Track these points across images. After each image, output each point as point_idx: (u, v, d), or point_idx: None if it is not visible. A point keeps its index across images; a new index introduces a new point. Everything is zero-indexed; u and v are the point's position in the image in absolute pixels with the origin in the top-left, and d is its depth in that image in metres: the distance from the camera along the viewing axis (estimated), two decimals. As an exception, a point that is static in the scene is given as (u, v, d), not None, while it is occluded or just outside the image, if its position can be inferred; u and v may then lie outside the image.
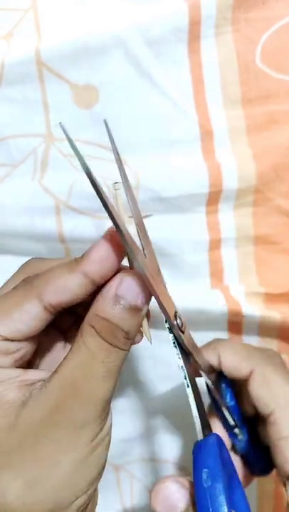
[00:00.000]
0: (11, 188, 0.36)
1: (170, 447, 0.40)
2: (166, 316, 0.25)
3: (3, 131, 0.36)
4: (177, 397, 0.39)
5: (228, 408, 0.31)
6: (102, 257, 0.23)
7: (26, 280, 0.25)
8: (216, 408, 0.31)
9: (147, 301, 0.24)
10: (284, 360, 0.32)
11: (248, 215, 0.37)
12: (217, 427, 0.31)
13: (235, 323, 0.38)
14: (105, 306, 0.23)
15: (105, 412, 0.23)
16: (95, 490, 0.25)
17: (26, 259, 0.37)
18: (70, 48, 0.33)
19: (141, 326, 0.25)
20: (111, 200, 0.24)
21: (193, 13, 0.33)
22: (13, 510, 0.22)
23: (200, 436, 0.25)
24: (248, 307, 0.36)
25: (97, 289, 0.24)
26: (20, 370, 0.24)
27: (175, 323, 0.25)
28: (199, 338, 0.30)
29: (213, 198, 0.36)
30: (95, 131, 0.36)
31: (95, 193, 0.35)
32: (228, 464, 0.26)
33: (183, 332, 0.26)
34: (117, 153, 0.28)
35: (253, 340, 0.38)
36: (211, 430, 0.26)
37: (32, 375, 0.24)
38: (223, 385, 0.31)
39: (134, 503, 0.40)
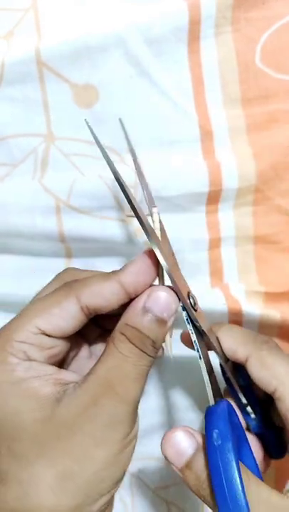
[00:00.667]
0: (11, 187, 0.36)
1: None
2: (180, 294, 0.26)
3: (4, 131, 0.36)
4: (179, 395, 0.39)
5: (240, 387, 0.33)
6: (137, 271, 0.26)
7: (66, 283, 0.27)
8: (230, 388, 0.33)
9: (173, 314, 0.25)
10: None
11: (248, 214, 0.37)
12: None
13: (236, 323, 0.38)
14: (135, 317, 0.25)
15: (135, 414, 0.25)
16: (113, 495, 0.26)
17: (27, 258, 0.38)
18: (70, 48, 0.33)
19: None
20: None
21: (193, 12, 0.33)
22: (42, 501, 0.23)
23: (212, 402, 0.27)
24: (248, 306, 0.36)
25: (127, 303, 0.26)
26: (55, 368, 0.26)
27: (188, 301, 0.27)
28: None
29: (213, 197, 0.36)
30: (95, 130, 0.36)
31: (94, 192, 0.35)
32: (237, 428, 0.29)
33: (196, 310, 0.28)
34: (133, 151, 0.32)
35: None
36: (222, 398, 0.28)
37: (65, 375, 0.26)
38: (236, 366, 0.32)
39: (135, 501, 0.40)
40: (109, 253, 0.37)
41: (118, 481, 0.25)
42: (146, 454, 0.40)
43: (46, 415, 0.23)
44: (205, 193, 0.36)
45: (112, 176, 0.35)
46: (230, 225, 0.37)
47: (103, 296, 0.25)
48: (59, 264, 0.38)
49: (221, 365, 0.32)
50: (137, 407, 0.25)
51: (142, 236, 0.36)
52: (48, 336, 0.26)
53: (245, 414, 0.33)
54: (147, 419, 0.40)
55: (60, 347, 0.26)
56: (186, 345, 0.33)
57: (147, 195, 0.30)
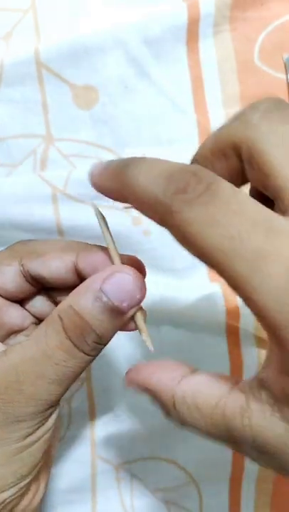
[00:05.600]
0: (8, 181, 0.36)
1: (171, 445, 0.40)
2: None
3: (3, 132, 0.36)
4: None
5: None
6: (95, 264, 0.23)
7: (10, 246, 0.25)
8: None
9: (135, 305, 0.21)
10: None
11: None
12: None
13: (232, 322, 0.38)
14: (83, 299, 0.20)
15: (48, 412, 0.21)
16: (33, 484, 0.23)
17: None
18: (70, 49, 0.34)
19: (133, 329, 0.23)
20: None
21: (192, 12, 0.33)
22: None
23: None
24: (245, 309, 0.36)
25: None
26: None
27: None
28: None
29: None
30: (95, 131, 0.36)
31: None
32: None
33: None
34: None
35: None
36: None
37: None
38: None
39: (134, 502, 0.40)
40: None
41: (24, 477, 0.22)
42: (146, 454, 0.40)
43: None
44: None
45: None
46: None
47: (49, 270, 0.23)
48: None
49: None
50: (53, 406, 0.21)
51: (140, 224, 0.36)
52: None
53: None
54: (147, 420, 0.40)
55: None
56: None
57: None
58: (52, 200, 0.35)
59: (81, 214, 0.35)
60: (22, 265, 0.24)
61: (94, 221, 0.35)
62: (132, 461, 0.40)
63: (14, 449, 0.21)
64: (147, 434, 0.39)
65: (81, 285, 0.21)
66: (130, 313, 0.21)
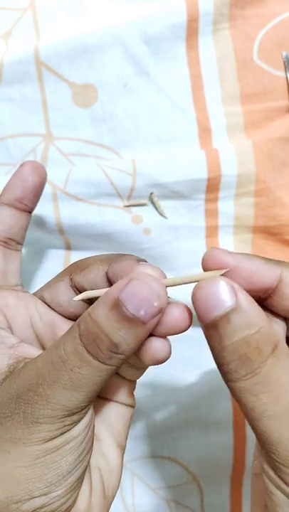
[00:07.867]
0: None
1: (172, 444, 0.40)
2: None
3: (3, 131, 0.36)
4: (179, 394, 0.39)
5: None
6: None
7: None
8: None
9: (154, 314, 0.20)
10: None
11: (250, 205, 0.36)
12: None
13: None
14: (101, 307, 0.20)
15: (68, 419, 0.21)
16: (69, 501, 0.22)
17: (25, 248, 0.38)
18: (69, 47, 0.34)
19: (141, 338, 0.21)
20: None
21: (191, 10, 0.33)
22: None
23: None
24: None
25: None
26: (16, 340, 0.24)
27: None
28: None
29: (213, 185, 0.36)
30: (94, 130, 0.36)
31: (91, 179, 0.35)
32: None
33: None
34: None
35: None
36: None
37: (24, 349, 0.24)
38: None
39: (136, 501, 0.40)
40: (106, 241, 0.37)
41: (51, 485, 0.21)
42: (147, 453, 0.40)
43: None
44: (204, 180, 0.35)
45: (109, 164, 0.35)
46: (229, 215, 0.37)
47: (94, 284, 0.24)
48: (59, 256, 0.38)
49: None
50: (74, 414, 0.21)
51: (140, 223, 0.36)
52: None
53: None
54: (148, 419, 0.40)
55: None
56: None
57: None
58: (52, 199, 0.35)
59: (81, 212, 0.36)
60: (71, 279, 0.25)
61: (93, 220, 0.36)
62: (134, 459, 0.40)
63: (36, 451, 0.21)
64: (149, 433, 0.39)
65: (104, 294, 0.21)
66: (152, 323, 0.20)
